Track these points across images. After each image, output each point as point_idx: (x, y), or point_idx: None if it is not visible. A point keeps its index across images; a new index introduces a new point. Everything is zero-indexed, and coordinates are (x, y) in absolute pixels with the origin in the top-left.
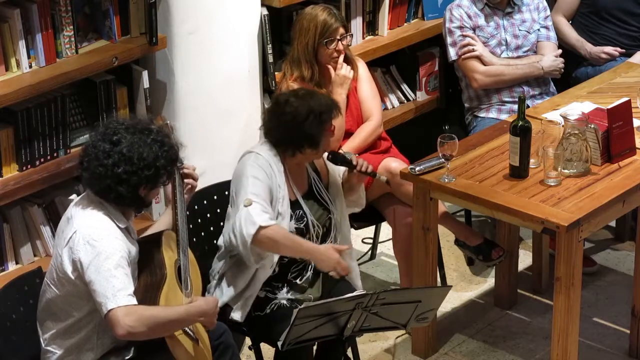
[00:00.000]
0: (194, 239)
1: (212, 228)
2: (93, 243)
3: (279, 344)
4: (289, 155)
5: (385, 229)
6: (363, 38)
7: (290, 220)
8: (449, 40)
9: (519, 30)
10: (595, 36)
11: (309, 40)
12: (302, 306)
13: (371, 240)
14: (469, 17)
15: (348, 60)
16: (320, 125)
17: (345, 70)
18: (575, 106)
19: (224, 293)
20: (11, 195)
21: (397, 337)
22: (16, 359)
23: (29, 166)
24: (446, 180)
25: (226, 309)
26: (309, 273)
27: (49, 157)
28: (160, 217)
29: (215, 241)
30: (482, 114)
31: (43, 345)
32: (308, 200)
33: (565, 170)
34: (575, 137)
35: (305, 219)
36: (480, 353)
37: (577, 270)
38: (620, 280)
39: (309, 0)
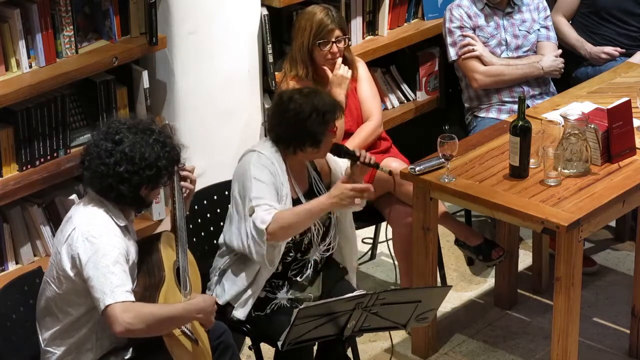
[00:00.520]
0: (194, 239)
1: (212, 228)
2: (92, 240)
3: (279, 344)
4: (290, 153)
5: (385, 229)
6: (363, 38)
7: None
8: (449, 40)
9: (519, 30)
10: (595, 36)
11: (304, 40)
12: (302, 306)
13: (371, 240)
14: (469, 17)
15: (347, 61)
16: (322, 124)
17: (342, 70)
18: (575, 106)
19: (226, 291)
20: (11, 195)
21: (397, 337)
22: (16, 359)
23: (29, 166)
24: (446, 180)
25: (227, 308)
26: (309, 271)
27: (49, 157)
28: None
29: (215, 241)
30: (482, 114)
31: (42, 345)
32: (308, 198)
33: (565, 170)
34: (575, 137)
35: None
36: (480, 353)
37: (577, 270)
38: (620, 280)
39: (309, 0)
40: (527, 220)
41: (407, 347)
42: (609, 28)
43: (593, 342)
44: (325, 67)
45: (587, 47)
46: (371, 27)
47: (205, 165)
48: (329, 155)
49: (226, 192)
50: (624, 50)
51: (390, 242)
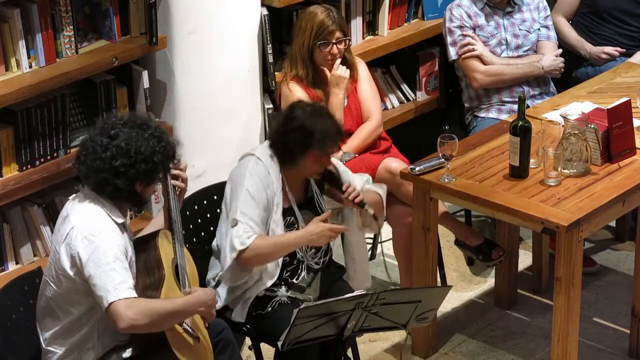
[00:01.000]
0: (194, 239)
1: (212, 228)
2: (91, 238)
3: (279, 344)
4: (282, 162)
5: (385, 229)
6: (363, 38)
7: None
8: (449, 39)
9: (519, 29)
10: (595, 36)
11: (305, 41)
12: (302, 306)
13: (371, 240)
14: (469, 16)
15: (347, 62)
16: (302, 145)
17: (340, 70)
18: (575, 106)
19: (222, 297)
20: (11, 195)
21: (397, 337)
22: (16, 359)
23: (29, 166)
24: (446, 180)
25: (225, 310)
26: (304, 273)
27: (49, 157)
28: (152, 221)
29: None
30: (482, 114)
31: (43, 345)
32: (303, 209)
33: (565, 170)
34: (575, 137)
35: (295, 226)
36: (480, 353)
37: (577, 270)
38: (620, 280)
39: (309, 0)
40: (527, 220)
41: (407, 347)
42: (609, 28)
43: (593, 342)
44: (324, 68)
45: (587, 47)
46: (371, 27)
47: (205, 165)
48: (340, 171)
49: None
50: (624, 50)
51: (390, 242)
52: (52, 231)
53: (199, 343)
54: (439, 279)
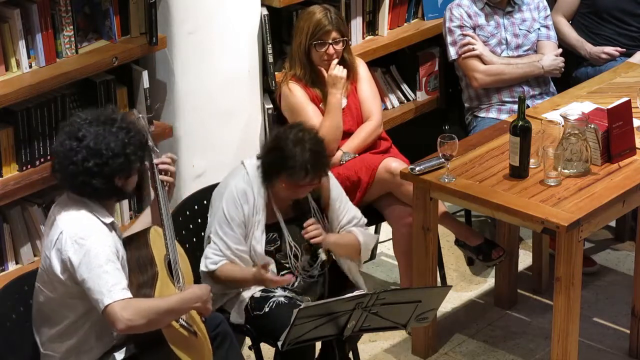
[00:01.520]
0: (194, 239)
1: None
2: (80, 242)
3: (279, 344)
4: (262, 178)
5: (385, 229)
6: (363, 38)
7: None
8: (449, 39)
9: (519, 29)
10: (595, 36)
11: (302, 40)
12: (302, 306)
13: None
14: (469, 16)
15: (346, 63)
16: (277, 169)
17: (337, 70)
18: (575, 106)
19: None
20: (11, 195)
21: (397, 337)
22: (16, 359)
23: (29, 166)
24: (446, 180)
25: (222, 312)
26: (299, 278)
27: (49, 157)
28: (140, 217)
29: None
30: (482, 114)
31: (42, 349)
32: (291, 224)
33: (565, 170)
34: (575, 137)
35: (278, 242)
36: (480, 353)
37: (577, 270)
38: (620, 280)
39: (309, 0)
40: (527, 220)
41: (407, 347)
42: (609, 28)
43: (593, 342)
44: (321, 68)
45: (587, 47)
46: (371, 27)
47: (205, 165)
48: (332, 192)
49: None
50: (624, 50)
51: (390, 242)
52: None
53: (196, 338)
54: (439, 279)
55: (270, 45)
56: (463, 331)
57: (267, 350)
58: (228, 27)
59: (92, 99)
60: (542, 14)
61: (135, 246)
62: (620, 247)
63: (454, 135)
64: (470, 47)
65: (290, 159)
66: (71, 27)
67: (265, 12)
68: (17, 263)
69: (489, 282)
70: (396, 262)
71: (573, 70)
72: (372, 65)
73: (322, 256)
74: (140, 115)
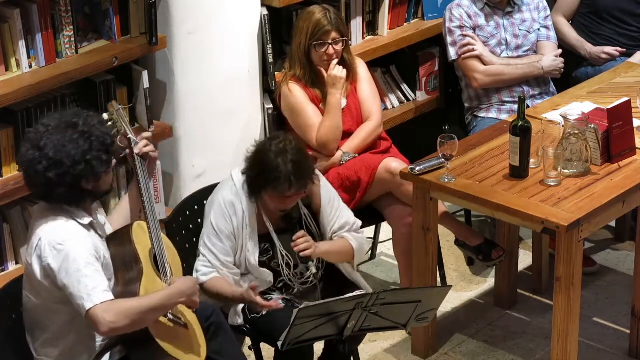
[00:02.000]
0: (194, 239)
1: None
2: (58, 247)
3: (279, 344)
4: (248, 191)
5: (385, 229)
6: (363, 38)
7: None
8: (449, 39)
9: (519, 30)
10: (595, 36)
11: (302, 40)
12: (302, 306)
13: (371, 240)
14: (469, 16)
15: (345, 63)
16: (259, 182)
17: (337, 70)
18: (575, 106)
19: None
20: (11, 195)
21: (397, 337)
22: (16, 359)
23: None
24: (446, 180)
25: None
26: (297, 286)
27: None
28: (119, 204)
29: None
30: (482, 114)
31: (35, 355)
32: (282, 235)
33: (565, 170)
34: (575, 137)
35: (270, 252)
36: (480, 353)
37: (577, 270)
38: (620, 280)
39: (309, 0)
40: (527, 220)
41: (407, 347)
42: (609, 28)
43: (593, 342)
44: (320, 68)
45: (587, 47)
46: (371, 27)
47: (205, 165)
48: (323, 196)
49: None
50: (624, 50)
51: (390, 242)
52: None
53: (187, 330)
54: (439, 279)
55: (270, 45)
56: (463, 331)
57: (267, 350)
58: (228, 27)
59: (92, 99)
60: (542, 15)
61: (119, 243)
62: (620, 247)
63: (454, 135)
64: (470, 47)
65: (273, 171)
66: (71, 27)
67: (265, 12)
68: (17, 263)
69: (489, 282)
70: (396, 262)
71: (573, 70)
72: (372, 65)
73: (312, 269)
74: (120, 107)
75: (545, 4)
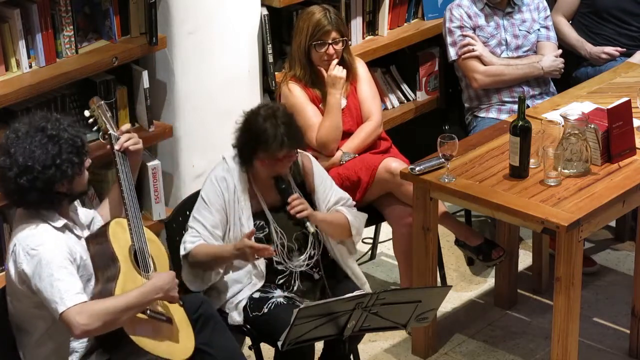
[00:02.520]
0: None
1: None
2: (31, 252)
3: (279, 344)
4: (240, 164)
5: (385, 229)
6: (363, 38)
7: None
8: (449, 40)
9: (519, 30)
10: (595, 36)
11: (302, 41)
12: (302, 306)
13: (371, 240)
14: (469, 17)
15: (345, 63)
16: (250, 148)
17: (337, 70)
18: (575, 106)
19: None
20: None
21: (397, 337)
22: (15, 359)
23: None
24: (446, 180)
25: (221, 313)
26: (297, 282)
27: None
28: (109, 194)
29: None
30: (482, 114)
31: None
32: (278, 212)
33: (565, 170)
34: (575, 137)
35: (266, 229)
36: (480, 353)
37: (577, 270)
38: (620, 280)
39: (309, 0)
40: (527, 220)
41: (407, 347)
42: (609, 28)
43: (593, 342)
44: (320, 68)
45: (587, 47)
46: (371, 27)
47: (205, 165)
48: (315, 175)
49: None
50: (624, 50)
51: (390, 242)
52: None
53: (171, 325)
54: (439, 279)
55: (270, 45)
56: (463, 331)
57: (267, 350)
58: (228, 27)
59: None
60: (542, 15)
61: (97, 242)
62: (620, 247)
63: (454, 135)
64: (470, 47)
65: (263, 133)
66: (71, 27)
67: (265, 12)
68: None
69: (489, 282)
70: (396, 262)
71: (573, 70)
72: (372, 65)
73: (311, 228)
74: (102, 102)
75: (545, 4)
